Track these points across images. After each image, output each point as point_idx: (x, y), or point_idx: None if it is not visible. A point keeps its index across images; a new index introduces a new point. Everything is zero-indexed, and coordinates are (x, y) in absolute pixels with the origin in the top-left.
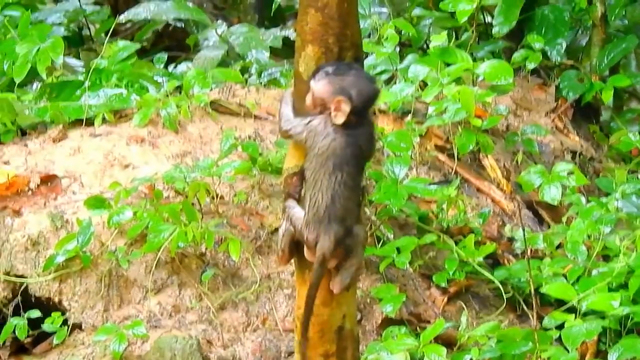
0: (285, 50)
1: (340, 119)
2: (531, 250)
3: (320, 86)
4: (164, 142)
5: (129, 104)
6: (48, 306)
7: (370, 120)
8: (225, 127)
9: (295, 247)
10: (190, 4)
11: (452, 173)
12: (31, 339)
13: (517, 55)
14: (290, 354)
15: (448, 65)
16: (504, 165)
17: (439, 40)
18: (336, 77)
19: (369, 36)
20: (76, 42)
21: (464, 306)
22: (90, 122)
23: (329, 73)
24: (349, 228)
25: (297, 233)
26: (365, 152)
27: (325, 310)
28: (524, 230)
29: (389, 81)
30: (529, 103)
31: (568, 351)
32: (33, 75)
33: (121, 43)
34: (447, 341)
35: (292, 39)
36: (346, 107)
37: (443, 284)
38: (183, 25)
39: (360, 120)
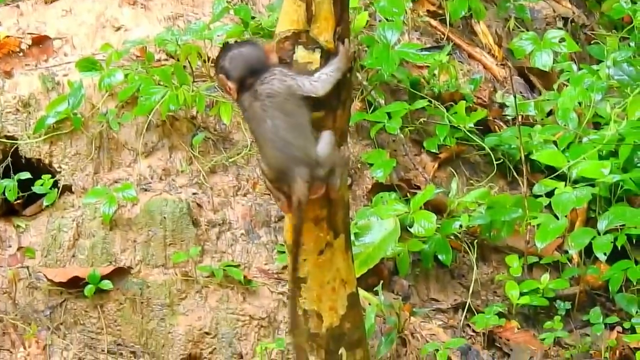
0: None
1: (234, 94)
2: (522, 117)
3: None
4: (156, 4)
5: None
6: (38, 168)
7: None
8: None
9: None
10: None
11: (444, 39)
12: (21, 200)
13: None
14: (280, 218)
15: None
16: (496, 31)
17: None
18: (217, 63)
19: None
20: None
21: (455, 172)
22: None
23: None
24: (313, 161)
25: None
26: (285, 92)
27: None
28: (515, 96)
29: None
30: None
31: (558, 218)
32: None
33: None
34: (437, 207)
35: None
36: (227, 82)
37: (434, 150)
38: None
39: (263, 77)
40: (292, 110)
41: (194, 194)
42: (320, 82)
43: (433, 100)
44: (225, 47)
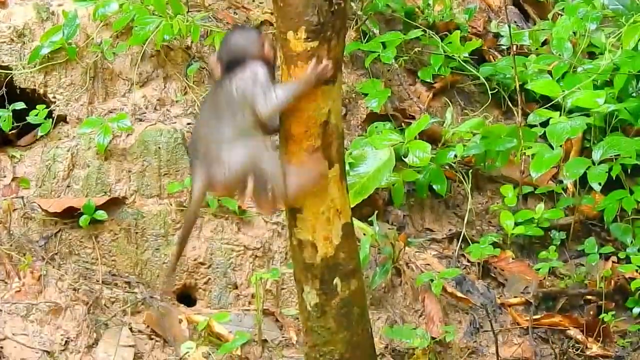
0: None
1: (215, 74)
2: (517, 47)
3: None
4: None
5: None
6: (33, 98)
7: (254, 69)
8: None
9: None
10: None
11: None
12: (16, 130)
13: None
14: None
15: None
16: None
17: None
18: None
19: None
20: None
21: (449, 102)
22: None
23: None
24: (212, 161)
25: None
26: (236, 93)
27: (310, 105)
28: (509, 26)
29: None
30: None
31: (552, 148)
32: None
33: None
34: (431, 137)
35: None
36: (214, 61)
37: (428, 80)
38: None
39: (237, 67)
40: (226, 110)
41: (188, 123)
42: (269, 104)
43: (428, 30)
44: (229, 30)
